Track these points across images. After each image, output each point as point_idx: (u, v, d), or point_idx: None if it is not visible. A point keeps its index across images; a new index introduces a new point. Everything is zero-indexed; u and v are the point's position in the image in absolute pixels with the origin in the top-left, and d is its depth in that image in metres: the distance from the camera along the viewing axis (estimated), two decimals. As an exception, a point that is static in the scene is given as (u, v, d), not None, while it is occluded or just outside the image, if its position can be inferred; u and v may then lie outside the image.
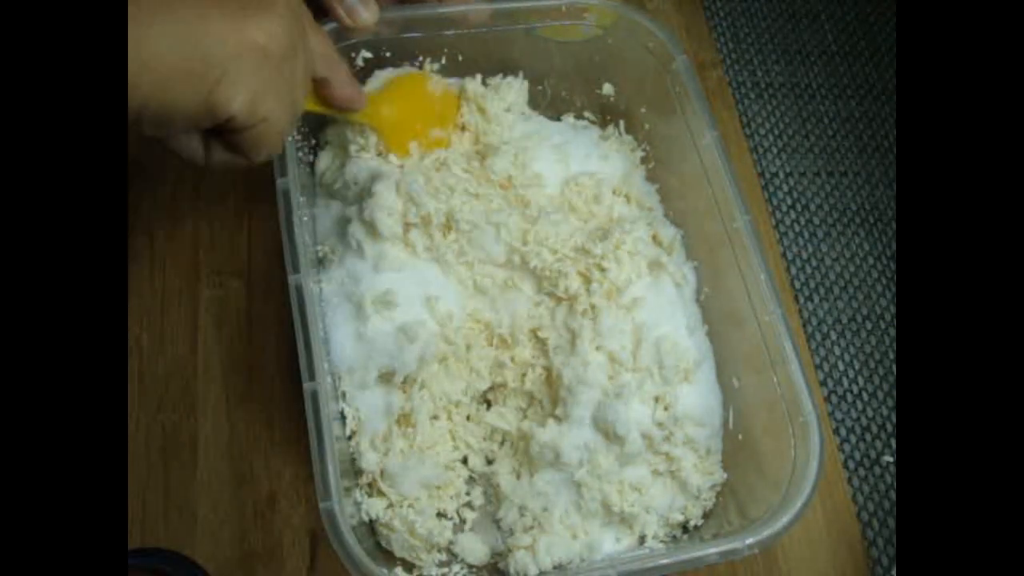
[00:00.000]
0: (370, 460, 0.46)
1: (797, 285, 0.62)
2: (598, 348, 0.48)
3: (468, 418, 0.50)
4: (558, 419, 0.47)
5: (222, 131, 0.37)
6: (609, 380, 0.48)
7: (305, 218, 0.47)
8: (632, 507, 0.46)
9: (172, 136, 0.38)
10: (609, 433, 0.46)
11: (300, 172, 0.47)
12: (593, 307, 0.49)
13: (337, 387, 0.47)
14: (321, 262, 0.50)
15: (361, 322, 0.46)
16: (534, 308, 0.50)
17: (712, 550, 0.41)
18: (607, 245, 0.50)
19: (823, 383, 0.58)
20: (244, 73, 0.34)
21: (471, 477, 0.50)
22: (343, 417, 0.47)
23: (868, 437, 0.57)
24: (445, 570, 0.46)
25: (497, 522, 0.48)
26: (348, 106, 0.46)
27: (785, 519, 0.41)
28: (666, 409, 0.49)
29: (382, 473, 0.46)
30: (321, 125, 0.54)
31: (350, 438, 0.47)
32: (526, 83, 0.57)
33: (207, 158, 0.39)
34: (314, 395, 0.41)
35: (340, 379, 0.47)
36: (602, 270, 0.49)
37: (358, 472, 0.47)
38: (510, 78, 0.57)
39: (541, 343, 0.50)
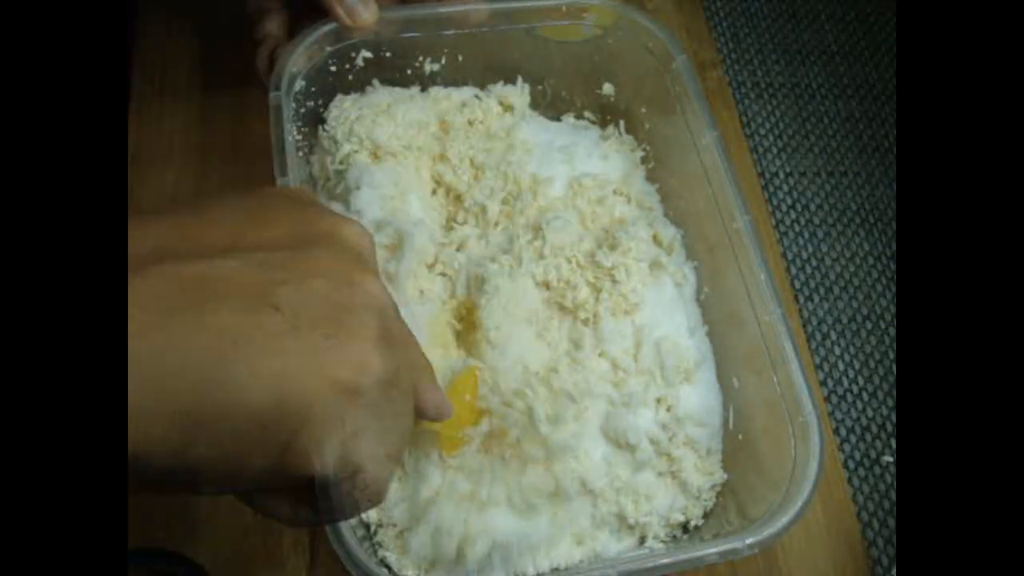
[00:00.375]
0: None
1: (797, 285, 0.62)
2: (601, 354, 0.48)
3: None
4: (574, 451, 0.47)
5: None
6: (614, 387, 0.48)
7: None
8: (646, 517, 0.46)
9: (253, 500, 0.31)
10: (620, 443, 0.46)
11: (300, 171, 0.47)
12: (596, 315, 0.49)
13: None
14: None
15: None
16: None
17: (712, 550, 0.41)
18: (617, 256, 0.50)
19: (823, 383, 0.58)
20: (328, 420, 0.27)
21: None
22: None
23: (868, 437, 0.57)
24: (445, 570, 0.46)
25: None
26: (436, 416, 0.37)
27: (785, 519, 0.41)
28: (668, 410, 0.49)
29: (381, 508, 0.45)
30: (315, 123, 0.54)
31: None
32: (527, 86, 0.58)
33: (294, 517, 0.31)
34: (314, 395, 0.41)
35: None
36: (615, 281, 0.49)
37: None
38: (510, 86, 0.57)
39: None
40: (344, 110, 0.53)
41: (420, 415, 0.36)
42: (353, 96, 0.54)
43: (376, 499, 0.31)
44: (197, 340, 0.24)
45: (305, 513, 0.30)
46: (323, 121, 0.53)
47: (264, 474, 0.27)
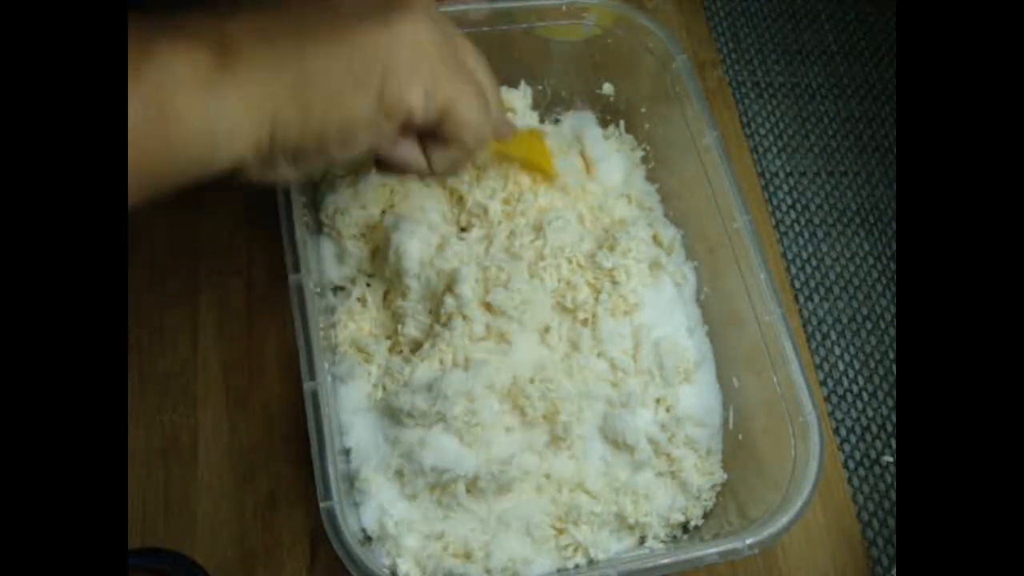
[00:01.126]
0: (369, 488, 0.45)
1: (797, 285, 0.62)
2: (599, 355, 0.48)
3: None
4: (570, 450, 0.47)
5: (424, 133, 0.38)
6: (612, 387, 0.48)
7: (306, 217, 0.47)
8: (645, 517, 0.46)
9: (391, 152, 0.38)
10: (618, 443, 0.46)
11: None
12: (594, 315, 0.49)
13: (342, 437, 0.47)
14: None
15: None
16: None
17: (712, 550, 0.41)
18: (617, 257, 0.50)
19: (823, 383, 0.58)
20: (406, 65, 0.34)
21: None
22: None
23: (868, 437, 0.57)
24: (445, 569, 0.46)
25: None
26: (497, 133, 0.43)
27: (785, 519, 0.41)
28: (667, 410, 0.49)
29: (380, 510, 0.45)
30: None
31: (348, 452, 0.47)
32: (530, 90, 0.58)
33: (431, 165, 0.39)
34: (314, 395, 0.41)
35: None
36: (614, 283, 0.49)
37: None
38: (512, 90, 0.57)
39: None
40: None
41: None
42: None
43: (477, 125, 0.38)
44: (287, 41, 0.33)
45: (437, 156, 0.39)
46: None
47: (372, 121, 0.34)
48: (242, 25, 0.32)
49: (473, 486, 0.45)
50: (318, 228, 0.52)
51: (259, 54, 0.32)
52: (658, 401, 0.49)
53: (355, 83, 0.34)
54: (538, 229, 0.51)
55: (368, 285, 0.51)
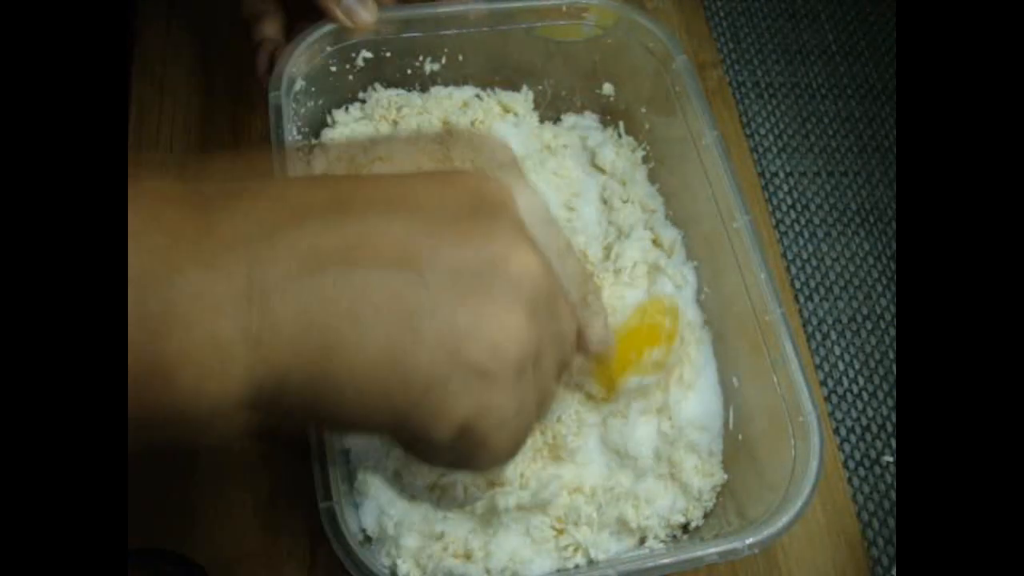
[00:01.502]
0: (367, 484, 0.45)
1: (797, 285, 0.62)
2: None
3: None
4: (571, 459, 0.47)
5: None
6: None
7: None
8: (647, 520, 0.46)
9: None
10: (621, 454, 0.46)
11: (301, 172, 0.47)
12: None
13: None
14: None
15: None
16: None
17: (712, 550, 0.41)
18: (612, 276, 0.50)
19: (823, 383, 0.58)
20: (453, 399, 0.26)
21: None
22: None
23: (868, 437, 0.57)
24: (445, 569, 0.46)
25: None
26: (597, 351, 0.37)
27: (785, 519, 0.41)
28: (669, 418, 0.49)
29: (380, 510, 0.45)
30: (316, 123, 0.54)
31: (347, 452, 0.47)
32: (531, 93, 0.58)
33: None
34: (314, 395, 0.41)
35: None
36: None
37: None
38: (514, 93, 0.57)
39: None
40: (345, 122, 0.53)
41: (581, 349, 0.34)
42: (354, 107, 0.55)
43: (494, 471, 0.33)
44: (339, 302, 0.25)
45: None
46: (326, 125, 0.54)
47: (383, 432, 0.29)
48: (294, 248, 0.25)
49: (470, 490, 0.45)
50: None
51: (290, 306, 0.24)
52: (659, 411, 0.49)
53: (381, 400, 0.26)
54: None
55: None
